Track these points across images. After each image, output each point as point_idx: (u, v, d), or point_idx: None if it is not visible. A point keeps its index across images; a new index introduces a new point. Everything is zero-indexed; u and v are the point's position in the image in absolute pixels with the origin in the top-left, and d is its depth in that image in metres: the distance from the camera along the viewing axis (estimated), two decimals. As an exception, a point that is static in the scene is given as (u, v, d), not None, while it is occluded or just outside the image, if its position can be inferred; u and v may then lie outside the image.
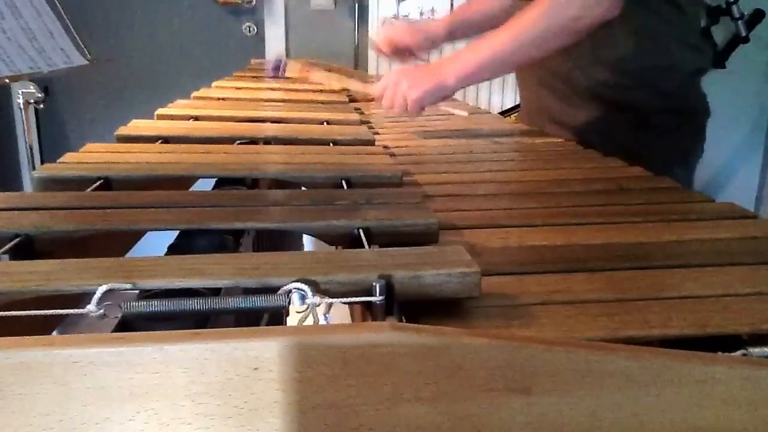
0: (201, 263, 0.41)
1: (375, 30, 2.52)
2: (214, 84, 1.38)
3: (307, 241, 1.03)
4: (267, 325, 0.34)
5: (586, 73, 1.09)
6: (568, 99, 1.14)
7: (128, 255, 0.53)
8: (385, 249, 0.45)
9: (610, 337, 0.39)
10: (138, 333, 0.30)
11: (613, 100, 1.08)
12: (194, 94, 1.22)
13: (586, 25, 0.92)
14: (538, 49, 0.95)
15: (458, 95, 2.52)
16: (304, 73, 1.50)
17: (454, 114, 1.23)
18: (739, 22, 2.28)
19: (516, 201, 0.71)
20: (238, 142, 0.85)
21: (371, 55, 2.55)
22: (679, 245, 0.56)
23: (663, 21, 1.04)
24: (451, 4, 2.47)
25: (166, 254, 0.53)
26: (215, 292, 0.41)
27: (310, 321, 0.37)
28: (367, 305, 0.40)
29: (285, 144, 0.87)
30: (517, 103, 2.44)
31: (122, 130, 0.86)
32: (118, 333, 0.31)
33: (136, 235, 0.56)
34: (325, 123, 1.03)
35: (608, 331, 0.40)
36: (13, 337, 0.29)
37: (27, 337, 0.30)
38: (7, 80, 1.42)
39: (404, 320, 0.39)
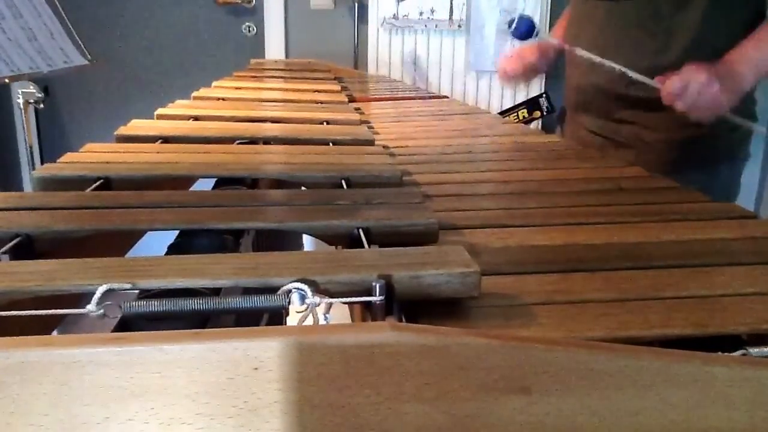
0: (201, 263, 0.41)
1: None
2: (214, 84, 1.38)
3: (307, 241, 1.03)
4: (267, 325, 0.34)
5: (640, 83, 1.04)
6: (616, 99, 1.10)
7: (128, 255, 0.53)
8: (384, 249, 0.45)
9: (610, 337, 0.39)
10: (138, 333, 0.30)
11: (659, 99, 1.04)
12: (194, 94, 1.22)
13: None
14: None
15: (457, 95, 2.52)
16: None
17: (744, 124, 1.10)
18: None
19: (516, 201, 0.71)
20: (238, 142, 0.85)
21: (371, 55, 2.55)
22: (679, 245, 0.56)
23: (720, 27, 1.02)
24: (451, 5, 2.47)
25: (166, 254, 0.53)
26: (215, 292, 0.41)
27: (310, 321, 0.37)
28: (367, 305, 0.40)
29: (285, 144, 0.87)
30: (517, 102, 2.44)
31: (122, 130, 0.86)
32: (118, 333, 0.31)
33: (136, 235, 0.56)
34: (324, 123, 1.03)
35: (608, 331, 0.40)
36: (13, 337, 0.29)
37: (27, 337, 0.30)
38: (7, 80, 1.42)
39: (404, 320, 0.39)
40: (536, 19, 2.56)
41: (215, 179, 0.72)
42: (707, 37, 1.01)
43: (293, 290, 0.37)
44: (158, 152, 0.78)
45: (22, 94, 1.67)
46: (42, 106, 1.71)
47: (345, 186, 0.67)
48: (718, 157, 1.06)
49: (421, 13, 2.47)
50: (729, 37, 0.98)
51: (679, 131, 1.04)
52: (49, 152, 1.84)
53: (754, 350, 0.39)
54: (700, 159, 1.04)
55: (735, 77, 0.93)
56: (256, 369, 0.29)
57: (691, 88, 0.91)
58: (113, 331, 0.39)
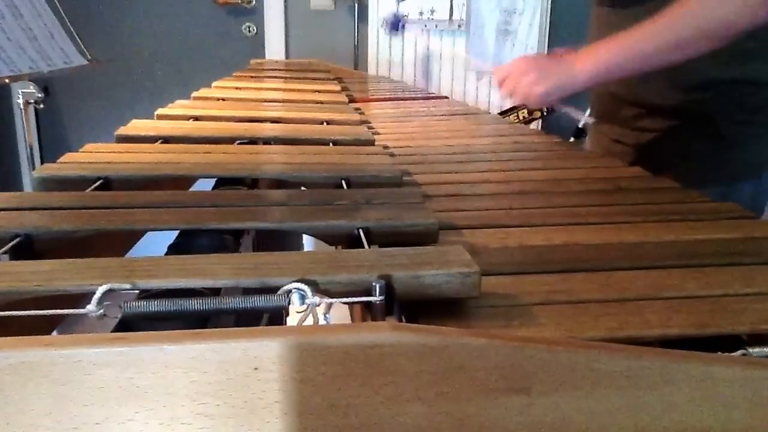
0: (201, 263, 0.41)
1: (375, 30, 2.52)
2: (214, 84, 1.38)
3: (307, 241, 1.03)
4: (267, 325, 0.34)
5: (659, 91, 1.01)
6: (638, 110, 1.06)
7: (128, 255, 0.53)
8: (384, 249, 0.45)
9: (610, 337, 0.39)
10: (138, 333, 0.30)
11: (685, 110, 1.00)
12: (194, 94, 1.22)
13: (736, 32, 0.82)
14: (681, 52, 0.85)
15: (457, 95, 2.52)
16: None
17: (574, 116, 1.11)
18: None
19: (516, 201, 0.71)
20: (238, 142, 0.85)
21: (371, 55, 2.55)
22: (679, 245, 0.56)
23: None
24: (451, 5, 2.47)
25: (166, 254, 0.53)
26: (215, 292, 0.41)
27: (310, 321, 0.37)
28: (367, 305, 0.40)
29: (285, 144, 0.87)
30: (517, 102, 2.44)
31: (122, 130, 0.86)
32: (118, 333, 0.31)
33: (136, 235, 0.56)
34: (324, 123, 1.03)
35: (608, 331, 0.40)
36: (13, 337, 0.29)
37: (27, 337, 0.30)
38: (7, 80, 1.42)
39: (404, 320, 0.39)
40: (536, 19, 2.57)
41: (215, 179, 0.72)
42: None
43: (293, 290, 0.37)
44: (158, 152, 0.78)
45: (22, 94, 1.67)
46: (42, 106, 1.71)
47: (345, 186, 0.67)
48: (742, 170, 0.99)
49: (421, 13, 2.47)
50: (751, 37, 0.89)
51: (698, 142, 0.99)
52: (49, 152, 1.84)
53: (754, 350, 0.39)
54: (723, 173, 0.98)
55: (569, 70, 0.91)
56: (256, 369, 0.29)
57: (512, 76, 0.95)
58: (113, 331, 0.39)
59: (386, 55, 2.55)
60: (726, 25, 0.82)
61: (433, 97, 1.64)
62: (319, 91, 1.40)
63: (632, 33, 0.87)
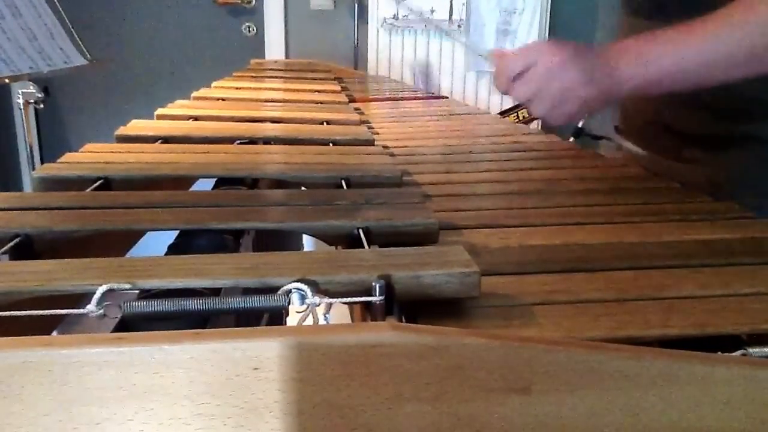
0: (201, 263, 0.41)
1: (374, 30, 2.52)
2: (213, 84, 1.38)
3: (307, 241, 1.03)
4: (267, 325, 0.34)
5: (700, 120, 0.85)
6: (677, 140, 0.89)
7: (128, 255, 0.53)
8: (384, 249, 0.45)
9: (610, 337, 0.39)
10: (138, 333, 0.30)
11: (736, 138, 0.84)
12: (194, 94, 1.22)
13: None
14: (735, 70, 0.65)
15: (457, 95, 2.52)
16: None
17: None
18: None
19: (516, 201, 0.71)
20: (238, 142, 0.85)
21: (371, 55, 2.55)
22: (679, 245, 0.56)
23: None
24: (451, 5, 2.47)
25: (166, 254, 0.53)
26: (215, 292, 0.41)
27: (310, 321, 0.37)
28: (367, 305, 0.40)
29: (285, 144, 0.87)
30: (517, 103, 2.44)
31: (122, 130, 0.86)
32: (118, 333, 0.31)
33: (136, 235, 0.56)
34: (324, 123, 1.03)
35: (608, 331, 0.40)
36: (13, 337, 0.29)
37: (27, 337, 0.30)
38: (7, 80, 1.42)
39: (404, 320, 0.39)
40: (536, 19, 2.57)
41: (215, 179, 0.72)
42: None
43: (293, 290, 0.37)
44: (158, 152, 0.78)
45: (22, 94, 1.67)
46: (42, 106, 1.71)
47: (345, 186, 0.67)
48: None
49: (421, 13, 2.47)
50: None
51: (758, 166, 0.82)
52: (49, 152, 1.84)
53: (754, 350, 0.39)
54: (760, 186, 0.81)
55: (611, 72, 0.65)
56: (256, 369, 0.29)
57: (535, 72, 0.64)
58: (113, 331, 0.39)
59: (386, 55, 2.55)
60: None
61: (433, 97, 1.64)
62: (318, 91, 1.40)
63: (690, 32, 0.65)
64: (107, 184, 0.65)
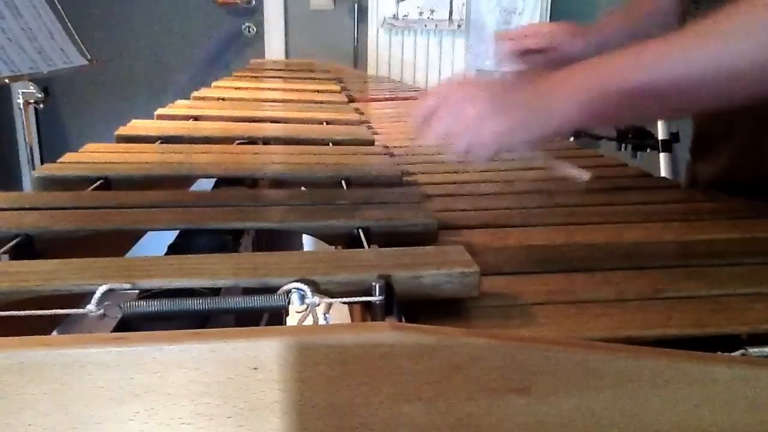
0: (201, 263, 0.41)
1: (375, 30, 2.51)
2: (214, 84, 1.38)
3: (307, 241, 1.03)
4: (267, 325, 0.34)
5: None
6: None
7: (128, 255, 0.53)
8: (384, 249, 0.45)
9: (610, 337, 0.39)
10: (138, 333, 0.30)
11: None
12: (194, 94, 1.22)
13: None
14: (728, 93, 0.51)
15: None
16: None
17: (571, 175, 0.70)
18: None
19: (516, 201, 0.71)
20: (238, 142, 0.85)
21: (371, 55, 2.55)
22: (679, 245, 0.56)
23: None
24: (451, 5, 2.47)
25: (166, 254, 0.53)
26: (215, 292, 0.41)
27: (310, 321, 0.37)
28: (367, 305, 0.40)
29: (285, 144, 0.87)
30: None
31: (122, 130, 0.86)
32: (118, 333, 0.31)
33: (136, 235, 0.56)
34: (324, 123, 1.03)
35: (608, 331, 0.40)
36: (13, 337, 0.29)
37: (27, 337, 0.30)
38: (7, 80, 1.42)
39: (404, 320, 0.39)
40: (536, 19, 2.57)
41: (215, 179, 0.72)
42: None
43: (293, 290, 0.37)
44: (158, 152, 0.78)
45: (22, 94, 1.67)
46: (42, 106, 1.71)
47: (345, 186, 0.67)
48: None
49: (420, 14, 2.47)
50: None
51: None
52: (49, 152, 1.84)
53: (754, 350, 0.39)
54: None
55: (543, 96, 0.56)
56: (255, 369, 0.29)
57: (446, 106, 0.58)
58: (113, 331, 0.39)
59: (386, 55, 2.55)
60: None
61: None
62: (318, 91, 1.40)
63: (660, 46, 0.52)
64: (107, 184, 0.65)
